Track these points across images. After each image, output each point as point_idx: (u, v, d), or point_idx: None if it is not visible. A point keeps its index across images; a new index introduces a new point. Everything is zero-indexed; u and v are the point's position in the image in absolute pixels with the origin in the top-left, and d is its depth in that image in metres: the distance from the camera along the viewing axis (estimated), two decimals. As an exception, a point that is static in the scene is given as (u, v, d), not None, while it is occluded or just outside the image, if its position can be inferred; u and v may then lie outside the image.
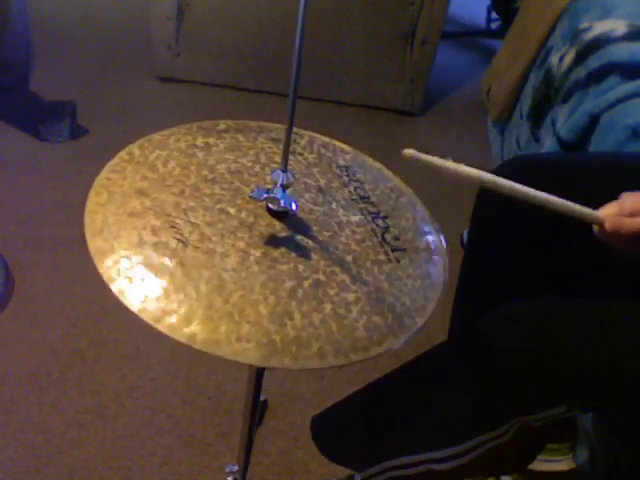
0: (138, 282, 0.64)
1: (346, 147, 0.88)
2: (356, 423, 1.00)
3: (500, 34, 2.50)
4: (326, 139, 0.88)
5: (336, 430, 1.03)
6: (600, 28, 1.45)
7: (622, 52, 1.36)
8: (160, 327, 0.62)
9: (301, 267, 0.69)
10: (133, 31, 2.41)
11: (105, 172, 0.75)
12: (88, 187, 0.74)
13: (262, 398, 1.33)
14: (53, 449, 1.26)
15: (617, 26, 1.43)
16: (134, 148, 0.79)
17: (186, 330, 0.62)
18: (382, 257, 0.73)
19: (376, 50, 2.20)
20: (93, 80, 2.22)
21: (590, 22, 1.49)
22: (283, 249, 0.70)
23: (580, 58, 1.45)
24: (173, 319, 0.62)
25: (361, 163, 0.86)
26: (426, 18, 2.10)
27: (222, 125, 0.85)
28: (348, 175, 0.83)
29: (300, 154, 0.84)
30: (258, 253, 0.69)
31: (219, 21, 2.15)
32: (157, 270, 0.65)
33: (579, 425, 1.18)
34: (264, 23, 2.12)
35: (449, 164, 0.68)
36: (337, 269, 0.70)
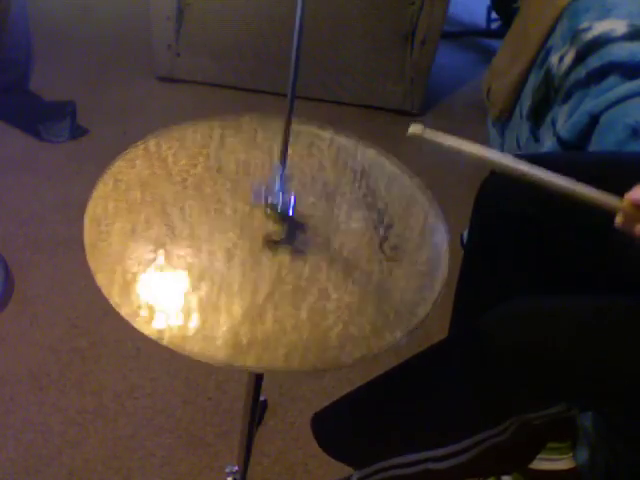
0: (119, 275, 0.65)
1: (370, 150, 0.84)
2: (355, 421, 1.00)
3: (500, 34, 2.49)
4: (351, 139, 0.85)
5: (336, 427, 1.04)
6: (600, 28, 1.45)
7: (622, 52, 1.36)
8: (132, 322, 0.62)
9: (284, 271, 0.68)
10: (133, 31, 2.41)
11: (117, 161, 0.76)
12: (88, 187, 0.74)
13: (262, 398, 1.33)
14: (53, 449, 1.27)
15: (617, 26, 1.43)
16: (151, 142, 0.79)
17: (155, 326, 0.62)
18: (375, 266, 0.71)
19: (376, 50, 2.20)
20: (93, 80, 2.22)
21: (590, 22, 1.49)
22: (270, 252, 0.69)
23: (580, 58, 1.45)
24: (144, 313, 0.63)
25: (381, 165, 0.83)
26: (426, 18, 2.10)
27: (243, 120, 0.84)
28: (362, 178, 0.80)
29: (318, 151, 0.81)
30: (244, 254, 0.68)
31: (219, 21, 2.15)
32: (140, 263, 0.66)
33: (579, 424, 1.18)
34: (264, 23, 2.12)
35: (462, 145, 0.57)
36: (322, 275, 0.68)
